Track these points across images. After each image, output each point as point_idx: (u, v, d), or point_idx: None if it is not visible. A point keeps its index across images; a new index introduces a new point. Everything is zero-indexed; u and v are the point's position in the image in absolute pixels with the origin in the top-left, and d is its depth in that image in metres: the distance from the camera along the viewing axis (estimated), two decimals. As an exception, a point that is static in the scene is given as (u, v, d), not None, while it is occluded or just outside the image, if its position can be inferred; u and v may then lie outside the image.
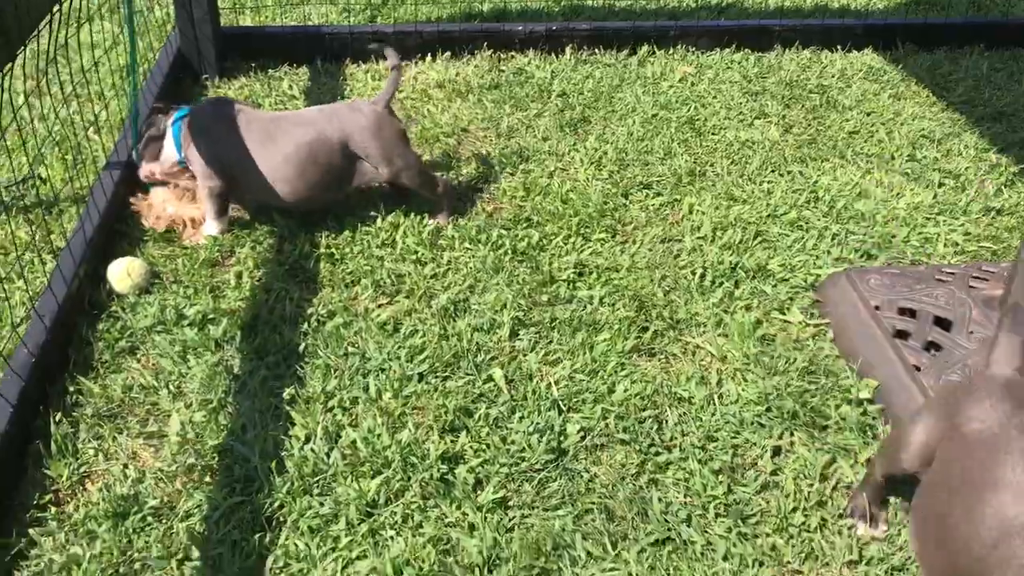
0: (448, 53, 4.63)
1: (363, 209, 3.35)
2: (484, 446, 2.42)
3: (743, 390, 2.60)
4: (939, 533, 1.78)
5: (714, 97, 4.30)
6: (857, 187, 3.58)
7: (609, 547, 2.17)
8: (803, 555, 2.16)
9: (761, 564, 2.13)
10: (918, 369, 2.59)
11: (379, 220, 3.30)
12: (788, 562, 2.15)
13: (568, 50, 4.68)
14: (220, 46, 4.35)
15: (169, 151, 3.20)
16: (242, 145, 3.09)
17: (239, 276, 3.00)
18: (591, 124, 4.06)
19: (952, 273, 2.95)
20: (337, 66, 4.54)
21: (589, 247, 3.23)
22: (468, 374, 2.65)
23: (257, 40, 4.54)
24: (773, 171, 3.71)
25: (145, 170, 3.28)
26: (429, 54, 4.60)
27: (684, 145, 3.90)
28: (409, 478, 2.32)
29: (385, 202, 3.38)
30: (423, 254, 3.16)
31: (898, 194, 3.55)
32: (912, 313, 2.80)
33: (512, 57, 4.66)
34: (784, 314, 2.94)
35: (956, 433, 1.89)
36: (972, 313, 2.77)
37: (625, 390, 2.60)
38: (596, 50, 4.69)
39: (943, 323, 2.75)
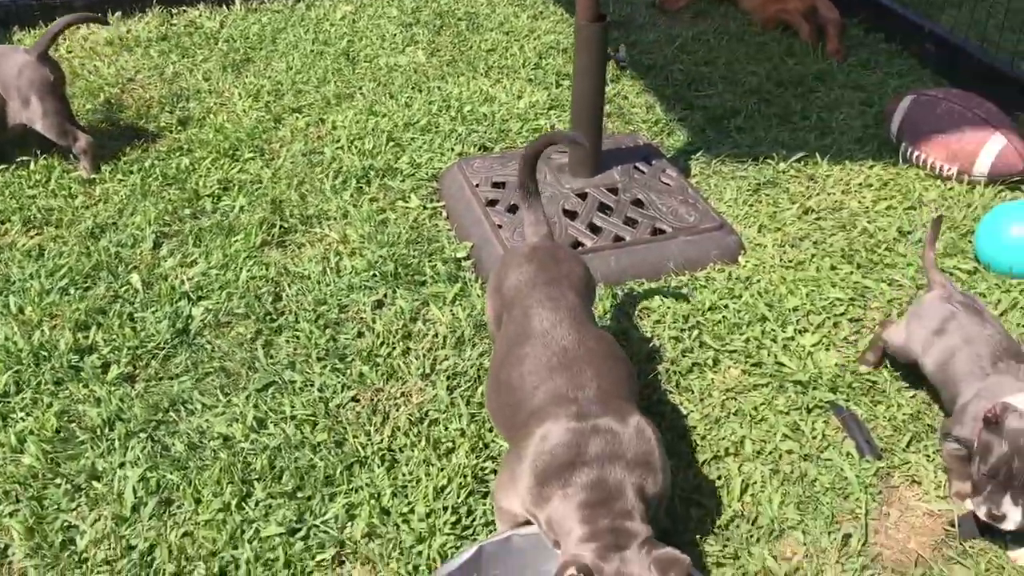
0: (119, 13, 4.78)
1: (23, 155, 3.52)
2: (115, 336, 2.71)
3: (355, 263, 3.02)
4: (496, 384, 2.09)
5: (371, 31, 4.70)
6: (485, 95, 4.08)
7: (221, 396, 2.53)
8: (385, 376, 2.60)
9: (349, 388, 2.55)
10: (500, 227, 3.09)
11: (33, 164, 3.49)
12: (372, 383, 2.58)
13: (238, 1, 4.93)
14: None
15: None
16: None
17: None
18: (253, 63, 4.36)
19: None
20: (5, 33, 4.59)
21: (237, 166, 3.55)
22: (107, 282, 2.93)
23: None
24: (414, 88, 4.15)
25: None
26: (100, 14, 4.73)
27: (337, 74, 4.27)
28: (40, 370, 2.58)
29: (44, 148, 3.56)
30: (75, 189, 3.38)
31: (519, 96, 4.07)
32: (502, 185, 3.31)
33: (183, 11, 4.87)
34: (406, 202, 3.38)
35: (501, 296, 2.30)
36: (548, 178, 3.31)
37: (251, 276, 2.95)
38: (266, -2, 4.98)
39: (524, 188, 3.28)
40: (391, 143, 3.71)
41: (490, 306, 2.36)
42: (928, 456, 2.36)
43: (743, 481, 2.30)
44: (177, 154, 3.62)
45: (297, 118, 3.90)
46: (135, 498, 2.23)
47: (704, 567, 2.09)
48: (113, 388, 2.55)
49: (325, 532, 2.17)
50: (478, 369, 2.63)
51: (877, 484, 2.30)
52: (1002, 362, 2.20)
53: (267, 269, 2.99)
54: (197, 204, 3.33)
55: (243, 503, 2.22)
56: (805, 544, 2.16)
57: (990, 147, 3.33)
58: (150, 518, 2.20)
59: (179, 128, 3.79)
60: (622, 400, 1.92)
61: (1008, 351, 2.23)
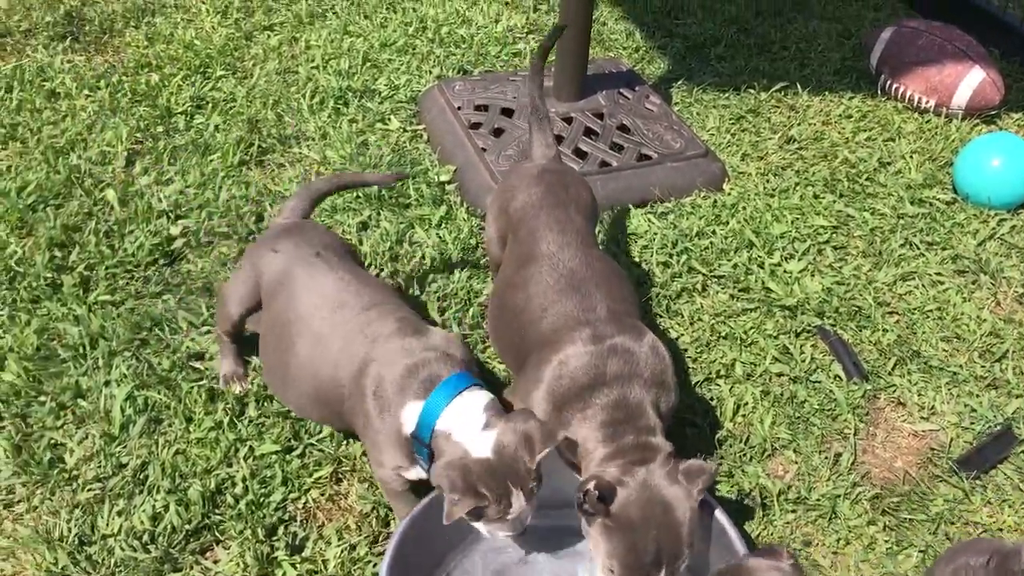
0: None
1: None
2: (93, 255, 2.62)
3: (338, 184, 2.95)
4: (500, 306, 2.04)
5: (342, -52, 4.54)
6: (462, 16, 3.98)
7: (206, 315, 2.47)
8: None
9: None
10: (485, 151, 3.05)
11: (-8, 77, 3.33)
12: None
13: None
14: None
15: None
16: None
17: None
18: (220, -22, 4.19)
19: (522, 75, 3.42)
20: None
21: (209, 84, 3.43)
22: (79, 200, 2.82)
23: None
24: (389, 8, 4.04)
25: None
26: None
27: (309, -9, 4.13)
28: (16, 287, 2.50)
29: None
30: (40, 103, 3.24)
31: (496, 20, 3.98)
32: (485, 108, 3.25)
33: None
34: (386, 124, 3.30)
35: (508, 216, 2.23)
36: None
37: (231, 195, 2.87)
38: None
39: (508, 112, 3.22)
40: (367, 64, 3.61)
41: (493, 227, 2.31)
42: (912, 380, 2.42)
43: (735, 402, 2.33)
44: (146, 70, 3.48)
45: (269, 36, 3.77)
46: (123, 416, 2.18)
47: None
48: (93, 307, 2.47)
49: (321, 451, 2.15)
50: (467, 291, 2.61)
51: (864, 406, 2.35)
52: None
53: (247, 188, 2.91)
54: (170, 122, 3.22)
55: (235, 421, 2.19)
56: (797, 462, 2.20)
57: (969, 80, 3.36)
58: (140, 436, 2.15)
59: (146, 44, 3.65)
60: (633, 319, 1.92)
61: None
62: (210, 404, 2.22)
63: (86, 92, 3.33)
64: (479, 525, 1.78)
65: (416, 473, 1.86)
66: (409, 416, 1.80)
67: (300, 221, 2.25)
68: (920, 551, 2.01)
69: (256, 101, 3.34)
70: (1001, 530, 2.06)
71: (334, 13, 3.96)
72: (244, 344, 2.29)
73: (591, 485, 1.62)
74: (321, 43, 3.71)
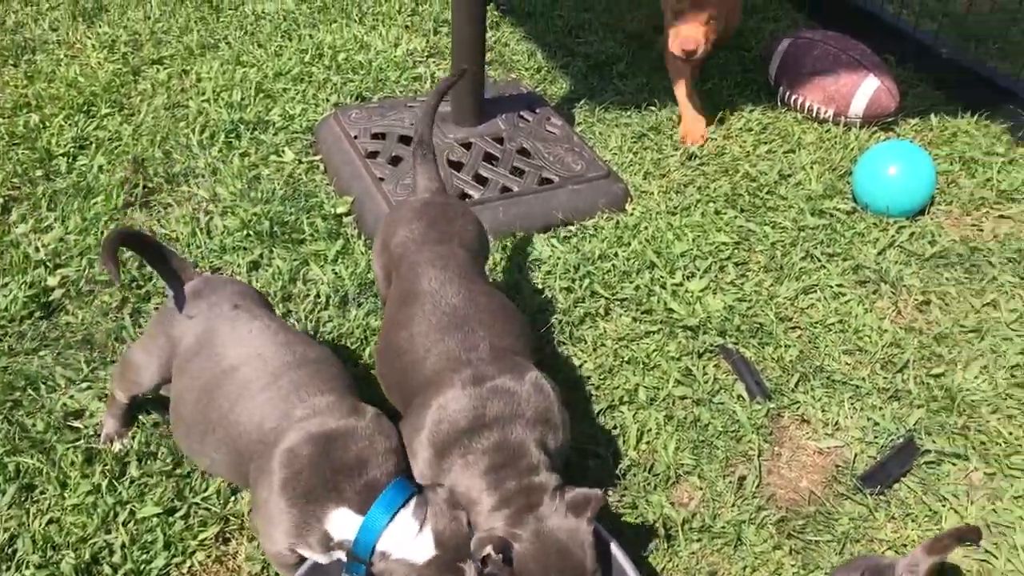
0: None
1: None
2: (-38, 311, 2.48)
3: (228, 222, 2.85)
4: (386, 347, 1.97)
5: (235, -24, 4.43)
6: (360, 42, 3.90)
7: (86, 370, 2.34)
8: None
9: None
10: (382, 180, 2.97)
11: None
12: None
13: (87, -57, 4.57)
14: None
15: None
16: None
17: None
18: (107, 11, 4.05)
19: (420, 101, 3.36)
20: None
21: (93, 123, 3.29)
22: (-50, 252, 2.67)
23: None
24: (284, 36, 3.94)
25: None
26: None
27: (201, 22, 4.01)
28: None
29: None
30: (-92, 151, 3.07)
31: (395, 44, 3.91)
32: (383, 136, 3.17)
33: (25, -45, 4.48)
34: (280, 156, 3.20)
35: (389, 253, 2.14)
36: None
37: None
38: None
39: (406, 140, 3.15)
40: (261, 94, 3.51)
41: (377, 264, 2.24)
42: (815, 396, 2.40)
43: (638, 429, 2.28)
44: (24, 111, 3.33)
45: (158, 70, 3.64)
46: (-8, 486, 2.05)
47: (602, 518, 2.06)
48: (-38, 368, 2.33)
49: (207, 509, 2.04)
50: (364, 329, 2.52)
51: (768, 425, 2.32)
52: None
53: (131, 232, 2.78)
54: (50, 164, 3.07)
55: (115, 484, 2.07)
56: (701, 488, 2.16)
57: (864, 89, 3.39)
58: (10, 507, 2.02)
59: (25, 83, 3.49)
60: (516, 356, 1.85)
61: None
62: (87, 466, 2.10)
63: (-41, 137, 3.17)
64: None
65: (309, 553, 1.74)
66: (340, 523, 1.66)
67: (209, 277, 2.08)
68: (826, 573, 1.98)
69: (143, 138, 3.21)
70: (905, 545, 2.05)
71: (227, 43, 3.85)
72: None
73: (488, 549, 1.56)
74: (212, 75, 3.60)
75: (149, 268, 2.64)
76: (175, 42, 3.84)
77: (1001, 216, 3.06)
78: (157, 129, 3.27)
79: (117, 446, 2.13)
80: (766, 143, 3.38)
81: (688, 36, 3.09)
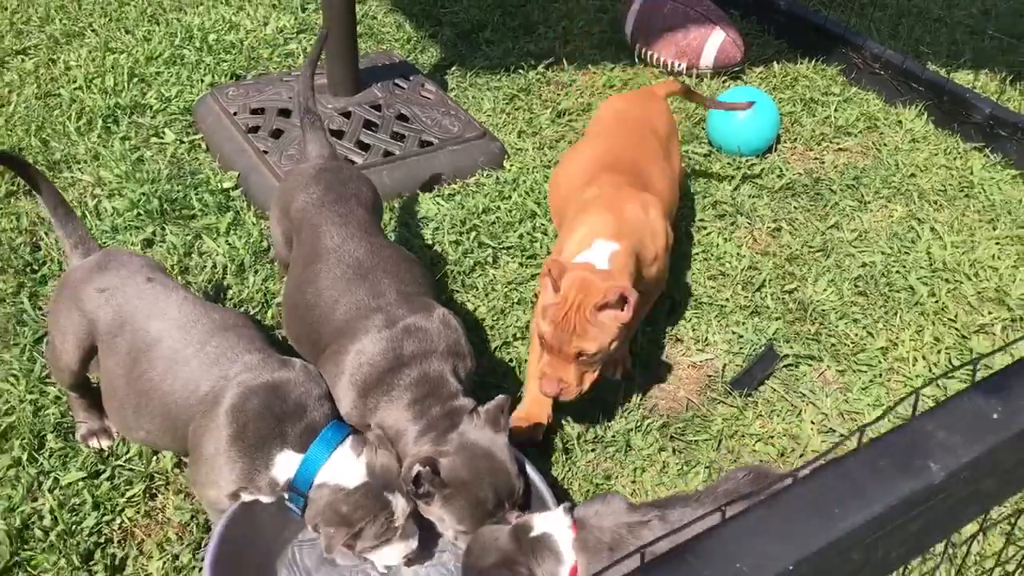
0: None
1: None
2: None
3: (116, 204, 2.89)
4: (293, 306, 2.09)
5: (93, -37, 4.37)
6: (228, 22, 3.95)
7: (-11, 355, 2.38)
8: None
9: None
10: (266, 153, 3.06)
11: None
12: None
13: (-72, -65, 4.42)
14: None
15: None
16: None
17: None
18: (-40, 4, 3.95)
19: (295, 76, 3.45)
20: None
21: (-39, 117, 3.26)
22: None
23: None
24: (151, 21, 3.94)
25: None
26: None
27: (61, 11, 3.97)
28: None
29: None
30: None
31: (264, 23, 3.98)
32: (262, 111, 3.26)
33: None
34: (161, 137, 3.25)
35: (289, 219, 2.25)
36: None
37: (1, 229, 2.76)
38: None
39: (286, 113, 3.25)
40: (135, 79, 3.53)
41: (278, 230, 2.34)
42: (686, 317, 2.65)
43: (532, 361, 2.48)
44: None
45: (23, 60, 3.61)
46: (-91, 471, 2.08)
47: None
48: None
49: (131, 470, 2.14)
50: (264, 294, 2.63)
51: (647, 347, 2.56)
52: None
53: (18, 220, 2.80)
54: (-79, 160, 3.03)
55: (35, 455, 2.14)
56: (593, 405, 2.38)
57: (712, 41, 3.67)
58: (-69, 487, 2.06)
59: None
60: (422, 297, 2.02)
61: None
62: (4, 442, 2.15)
63: None
64: (375, 556, 1.84)
65: (257, 495, 1.87)
66: (284, 464, 1.81)
67: (111, 251, 2.12)
68: (705, 467, 2.24)
69: (17, 128, 3.20)
70: (772, 437, 2.32)
71: (92, 31, 3.84)
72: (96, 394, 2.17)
73: (417, 468, 1.72)
74: (82, 62, 3.59)
75: (43, 251, 2.68)
76: (37, 32, 3.80)
77: (839, 149, 3.40)
78: (31, 119, 3.26)
79: (105, 444, 2.17)
80: (627, 97, 3.62)
81: (553, 378, 2.05)
